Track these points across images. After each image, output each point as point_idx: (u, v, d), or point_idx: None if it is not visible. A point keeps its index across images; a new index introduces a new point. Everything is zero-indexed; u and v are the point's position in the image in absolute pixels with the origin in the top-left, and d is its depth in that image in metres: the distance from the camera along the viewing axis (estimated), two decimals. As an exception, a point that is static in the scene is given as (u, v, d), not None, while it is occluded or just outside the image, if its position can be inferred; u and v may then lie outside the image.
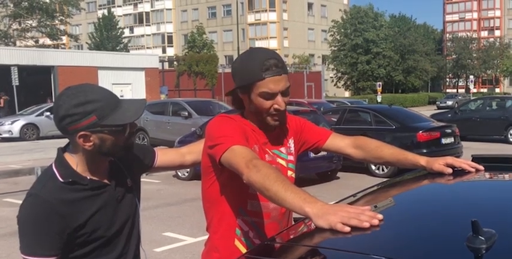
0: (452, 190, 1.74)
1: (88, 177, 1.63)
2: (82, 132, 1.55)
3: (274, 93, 1.76)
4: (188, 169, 10.06)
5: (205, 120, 11.36)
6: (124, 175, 1.75)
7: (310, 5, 64.18)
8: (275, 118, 1.81)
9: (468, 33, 69.62)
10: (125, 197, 1.73)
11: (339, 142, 2.05)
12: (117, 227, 1.69)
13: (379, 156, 1.98)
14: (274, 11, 60.14)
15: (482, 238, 1.07)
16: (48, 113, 20.82)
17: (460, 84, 69.21)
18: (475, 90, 59.37)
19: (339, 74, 56.86)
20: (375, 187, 1.82)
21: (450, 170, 1.75)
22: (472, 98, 26.59)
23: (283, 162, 1.91)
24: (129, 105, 1.62)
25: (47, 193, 1.56)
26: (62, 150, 1.67)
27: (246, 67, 1.78)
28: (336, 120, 11.68)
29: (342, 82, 57.31)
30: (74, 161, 1.62)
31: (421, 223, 1.34)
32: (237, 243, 1.86)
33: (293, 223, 1.70)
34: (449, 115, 17.25)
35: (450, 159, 1.81)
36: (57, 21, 42.45)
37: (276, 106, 1.78)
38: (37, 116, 20.64)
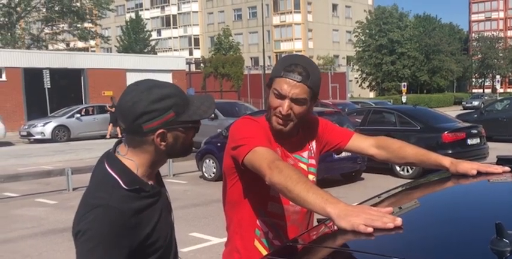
0: (476, 193, 1.71)
1: (149, 182, 1.49)
2: (160, 130, 1.42)
3: (284, 95, 1.77)
4: (214, 170, 10.21)
5: (231, 122, 11.47)
6: (161, 178, 1.63)
7: (334, 6, 63.82)
8: (278, 121, 1.81)
9: (494, 33, 68.38)
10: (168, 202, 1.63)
11: (361, 143, 2.03)
12: (169, 236, 1.57)
13: (402, 156, 1.95)
14: (299, 12, 60.00)
15: (507, 241, 1.05)
16: (78, 115, 21.32)
17: (486, 84, 67.89)
18: (501, 90, 58.09)
19: (364, 75, 56.43)
20: (399, 189, 1.80)
21: (475, 172, 1.73)
22: (498, 98, 26.04)
23: (304, 167, 1.91)
24: (199, 100, 1.51)
25: (119, 203, 1.39)
26: (114, 154, 1.50)
27: (276, 64, 1.85)
28: (360, 121, 11.63)
29: (367, 83, 56.85)
30: (134, 165, 1.46)
31: (444, 226, 1.33)
32: (257, 243, 1.88)
33: (316, 224, 1.69)
34: (475, 115, 16.92)
35: (477, 165, 1.76)
36: (87, 24, 43.23)
37: (279, 108, 1.78)
38: (68, 117, 21.09)
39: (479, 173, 1.73)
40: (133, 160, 1.46)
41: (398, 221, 1.26)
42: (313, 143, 1.99)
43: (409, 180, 8.51)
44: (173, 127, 1.44)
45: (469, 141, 10.20)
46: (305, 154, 1.95)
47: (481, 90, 64.95)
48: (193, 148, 1.59)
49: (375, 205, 1.51)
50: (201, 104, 1.49)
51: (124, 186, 1.42)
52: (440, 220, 1.39)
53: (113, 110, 21.03)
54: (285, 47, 60.86)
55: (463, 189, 1.76)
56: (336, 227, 1.34)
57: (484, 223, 1.24)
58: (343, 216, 1.31)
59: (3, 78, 25.65)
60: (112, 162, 1.47)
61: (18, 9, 38.39)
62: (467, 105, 42.70)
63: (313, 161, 1.97)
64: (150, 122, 1.40)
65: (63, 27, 42.26)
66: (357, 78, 57.06)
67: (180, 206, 7.87)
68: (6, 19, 38.30)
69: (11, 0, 38.11)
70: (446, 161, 1.83)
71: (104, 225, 1.35)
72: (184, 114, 1.45)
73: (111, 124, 20.71)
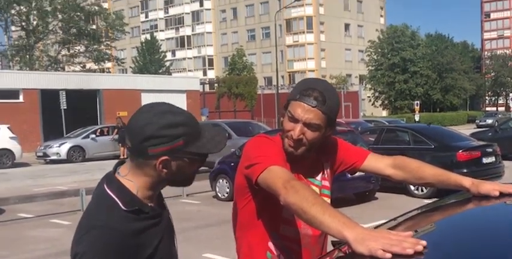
0: (498, 215, 1.63)
1: (149, 204, 1.46)
2: (164, 157, 1.39)
3: (297, 119, 1.73)
4: (228, 190, 10.20)
5: (244, 141, 11.47)
6: (163, 201, 1.60)
7: (347, 26, 64.25)
8: (290, 143, 1.77)
9: (507, 51, 68.26)
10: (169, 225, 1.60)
11: (378, 163, 1.96)
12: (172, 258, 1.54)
13: (420, 176, 1.88)
14: (312, 32, 60.48)
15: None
16: (93, 136, 21.55)
17: (499, 102, 67.56)
18: (515, 108, 57.64)
19: (377, 94, 56.51)
20: (417, 211, 1.74)
21: (497, 193, 1.65)
22: (512, 116, 25.83)
23: (316, 189, 1.86)
24: (210, 133, 1.48)
25: (116, 223, 1.36)
26: (113, 175, 1.48)
27: (295, 86, 1.82)
28: (373, 139, 11.56)
29: (380, 101, 56.86)
30: (134, 187, 1.43)
31: (465, 250, 1.28)
32: None
33: (332, 247, 1.62)
34: (490, 133, 16.72)
35: (498, 186, 1.68)
36: (103, 46, 44.06)
37: (291, 132, 1.75)
38: (83, 138, 21.34)
39: (502, 194, 1.66)
40: (133, 182, 1.44)
41: (419, 247, 1.21)
42: (327, 164, 1.95)
43: (424, 200, 8.36)
44: (178, 156, 1.41)
45: (484, 160, 10.06)
46: (318, 176, 1.91)
47: (494, 108, 64.55)
48: (207, 168, 1.53)
49: (392, 228, 1.45)
50: (211, 138, 1.46)
51: (123, 207, 1.39)
52: (461, 244, 1.33)
53: (116, 131, 21.25)
54: (298, 66, 61.20)
55: (485, 211, 1.69)
56: (352, 251, 1.29)
57: (507, 248, 1.19)
58: (361, 240, 1.26)
59: (21, 99, 26.08)
60: (111, 183, 1.45)
61: (35, 32, 39.25)
62: (481, 123, 42.35)
63: (326, 183, 1.92)
64: (156, 147, 1.37)
65: (79, 49, 43.10)
66: (369, 96, 57.05)
67: (193, 226, 7.85)
68: (25, 42, 39.15)
69: (30, 24, 38.99)
70: (467, 182, 1.75)
71: (101, 247, 1.32)
72: (193, 145, 1.41)
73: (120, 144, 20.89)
